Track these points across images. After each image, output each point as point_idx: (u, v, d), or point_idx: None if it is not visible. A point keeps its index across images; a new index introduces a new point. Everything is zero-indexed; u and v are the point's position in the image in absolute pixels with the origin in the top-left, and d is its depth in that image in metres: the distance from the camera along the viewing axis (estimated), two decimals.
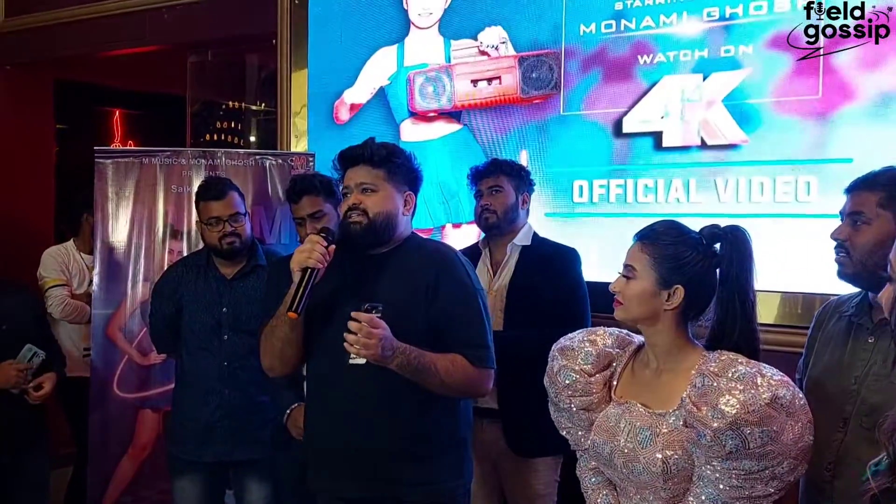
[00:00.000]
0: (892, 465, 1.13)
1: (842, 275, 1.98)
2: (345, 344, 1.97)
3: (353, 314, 1.96)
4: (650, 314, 1.70)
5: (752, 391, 1.50)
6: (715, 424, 1.51)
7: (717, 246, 1.71)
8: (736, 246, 1.68)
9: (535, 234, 2.99)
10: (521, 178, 2.98)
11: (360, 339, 1.94)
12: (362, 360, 2.01)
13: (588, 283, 2.95)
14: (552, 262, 2.90)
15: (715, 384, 1.55)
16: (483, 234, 3.05)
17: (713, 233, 1.72)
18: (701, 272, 1.68)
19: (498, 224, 2.92)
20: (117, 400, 3.61)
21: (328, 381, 2.18)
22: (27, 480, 3.12)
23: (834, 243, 2.00)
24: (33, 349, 3.00)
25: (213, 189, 2.94)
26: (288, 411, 2.71)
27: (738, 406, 1.49)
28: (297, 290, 2.02)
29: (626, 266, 1.73)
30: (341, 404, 2.14)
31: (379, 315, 1.97)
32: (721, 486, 1.56)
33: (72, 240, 4.17)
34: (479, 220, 2.97)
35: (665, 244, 1.69)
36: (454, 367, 2.07)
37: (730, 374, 1.55)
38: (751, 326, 1.67)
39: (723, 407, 1.51)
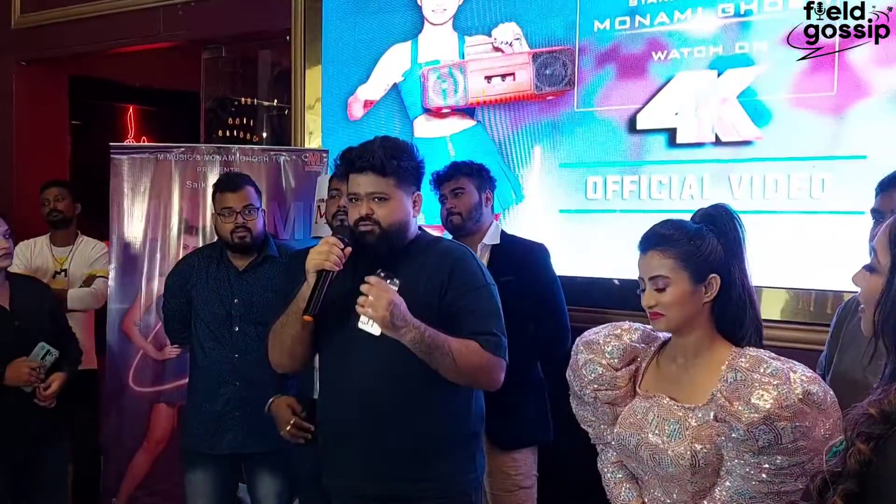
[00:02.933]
0: (846, 451, 1.14)
1: None
2: (357, 307, 1.95)
3: (366, 278, 1.95)
4: (693, 313, 1.69)
5: (786, 386, 1.51)
6: (748, 419, 1.51)
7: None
8: (731, 223, 1.71)
9: (503, 232, 3.04)
10: (481, 177, 3.04)
11: (369, 299, 1.92)
12: (373, 329, 1.98)
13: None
14: (528, 259, 2.95)
15: (748, 379, 1.56)
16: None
17: (706, 213, 1.75)
18: (721, 255, 1.69)
19: (463, 225, 2.98)
20: (132, 394, 3.63)
21: (341, 380, 2.17)
22: (46, 476, 3.15)
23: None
24: (46, 347, 3.01)
25: (230, 181, 2.98)
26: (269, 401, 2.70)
27: (771, 401, 1.50)
28: (313, 292, 2.01)
29: (652, 279, 1.70)
30: (354, 403, 2.14)
31: (395, 287, 1.96)
32: (751, 481, 1.56)
33: (48, 233, 4.15)
34: (446, 223, 3.03)
35: (681, 242, 1.69)
36: (468, 351, 2.05)
37: (762, 370, 1.56)
38: (753, 305, 1.70)
39: (756, 401, 1.51)
